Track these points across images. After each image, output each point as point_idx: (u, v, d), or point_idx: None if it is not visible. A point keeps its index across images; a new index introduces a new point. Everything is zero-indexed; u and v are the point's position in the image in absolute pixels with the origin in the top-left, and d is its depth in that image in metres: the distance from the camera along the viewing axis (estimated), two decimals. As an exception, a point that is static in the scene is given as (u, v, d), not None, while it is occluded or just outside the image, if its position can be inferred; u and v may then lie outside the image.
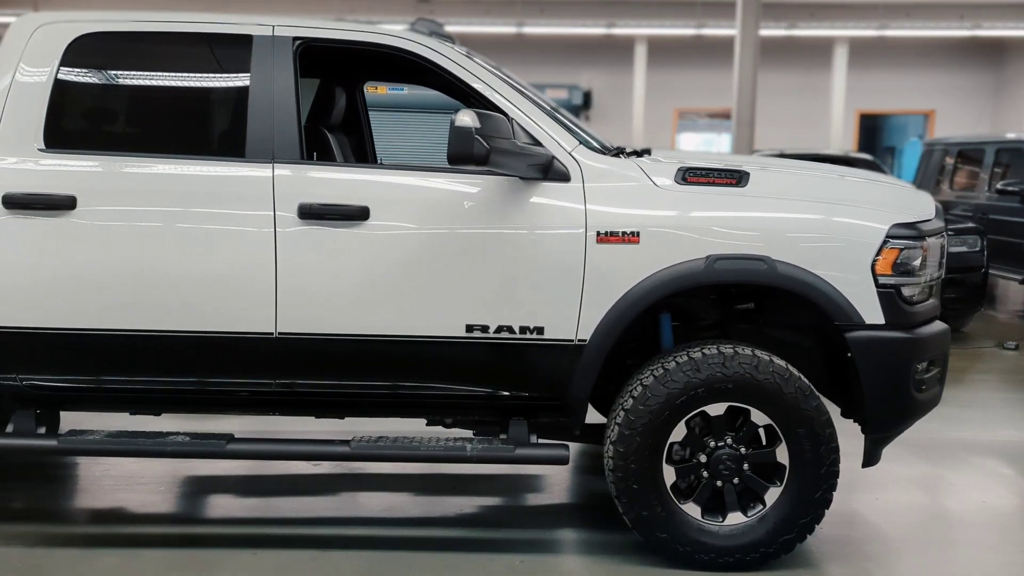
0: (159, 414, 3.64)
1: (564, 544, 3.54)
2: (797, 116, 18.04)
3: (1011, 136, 12.31)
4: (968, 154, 11.77)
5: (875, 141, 23.25)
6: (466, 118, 2.91)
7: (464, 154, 2.93)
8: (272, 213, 3.12)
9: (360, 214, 3.12)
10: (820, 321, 3.35)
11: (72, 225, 3.11)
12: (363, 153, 4.61)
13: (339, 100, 4.05)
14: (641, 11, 14.92)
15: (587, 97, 17.44)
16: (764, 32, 15.76)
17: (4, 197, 3.10)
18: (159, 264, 3.12)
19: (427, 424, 3.70)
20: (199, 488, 4.03)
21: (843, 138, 18.53)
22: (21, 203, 3.10)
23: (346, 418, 3.57)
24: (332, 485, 4.09)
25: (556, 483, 4.18)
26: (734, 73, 9.38)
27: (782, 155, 11.47)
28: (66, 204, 3.10)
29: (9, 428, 3.30)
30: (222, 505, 3.90)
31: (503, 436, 3.33)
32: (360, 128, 4.68)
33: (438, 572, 3.20)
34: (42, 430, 3.30)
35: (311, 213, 3.11)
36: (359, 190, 3.17)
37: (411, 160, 7.02)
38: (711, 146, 22.35)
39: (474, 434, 3.66)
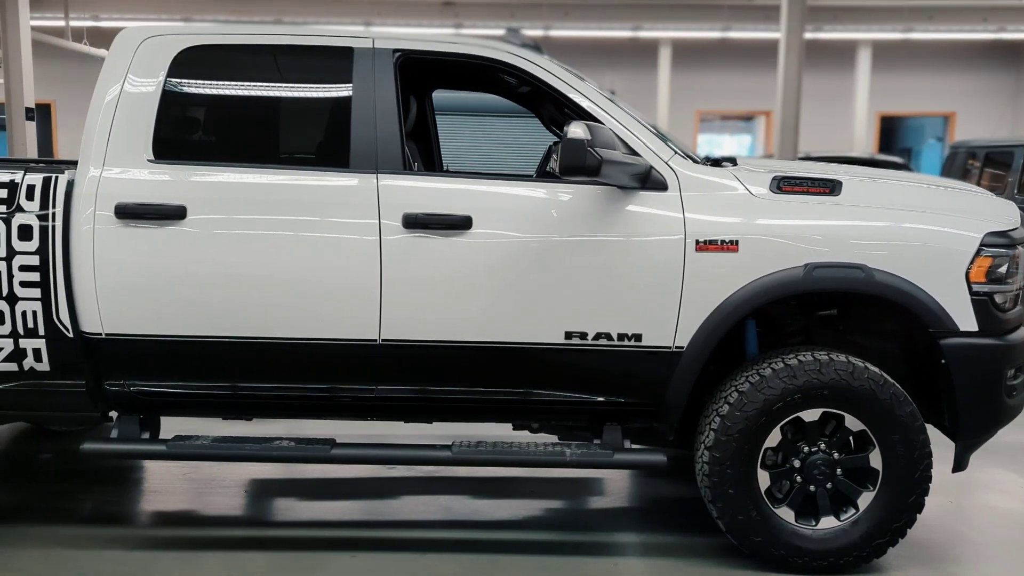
0: (251, 419, 3.70)
1: (653, 547, 3.58)
2: (819, 118, 18.06)
3: (1046, 137, 12.31)
4: (996, 157, 11.76)
5: (892, 143, 23.23)
6: (578, 130, 2.96)
7: (577, 165, 2.98)
8: (377, 222, 3.18)
9: (463, 223, 3.18)
10: (905, 327, 3.40)
11: (182, 234, 3.17)
12: (432, 161, 4.67)
13: (412, 108, 4.11)
14: (667, 14, 14.97)
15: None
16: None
17: (116, 207, 3.16)
18: (266, 273, 3.18)
19: (513, 429, 3.77)
20: (291, 491, 4.10)
21: (865, 140, 18.53)
22: (133, 213, 3.16)
23: (434, 423, 3.64)
24: (417, 488, 4.14)
25: (619, 487, 4.23)
26: (778, 77, 9.40)
27: (808, 158, 11.51)
28: (177, 214, 3.16)
29: (113, 433, 3.37)
30: (318, 508, 3.96)
31: (596, 441, 3.38)
32: (429, 136, 4.74)
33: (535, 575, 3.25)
34: (145, 435, 3.37)
35: (416, 222, 3.17)
36: (462, 200, 3.22)
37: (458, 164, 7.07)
38: (743, 149, 22.35)
39: (559, 438, 3.73)
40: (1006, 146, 12.14)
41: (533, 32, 15.92)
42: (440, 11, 15.99)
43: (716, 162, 3.55)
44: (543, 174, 3.98)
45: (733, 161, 3.67)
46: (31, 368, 3.23)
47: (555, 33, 15.55)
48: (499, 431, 3.98)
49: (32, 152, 10.50)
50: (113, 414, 3.45)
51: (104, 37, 15.94)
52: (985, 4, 15.43)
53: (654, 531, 3.73)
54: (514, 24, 15.25)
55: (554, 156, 4.60)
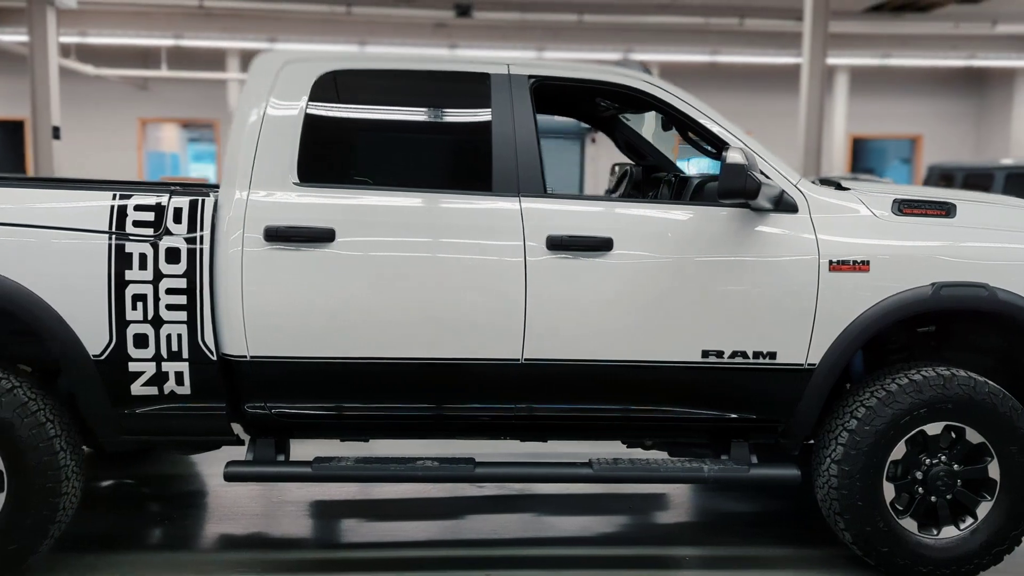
0: (367, 440, 3.70)
1: (770, 560, 3.67)
2: (796, 140, 18.56)
3: (1024, 162, 12.84)
4: (975, 180, 12.22)
5: (856, 164, 23.96)
6: (738, 156, 3.08)
7: (737, 188, 3.10)
8: (522, 244, 3.24)
9: (604, 244, 3.26)
10: (1007, 343, 3.57)
11: (331, 256, 3.19)
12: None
13: None
14: (658, 38, 15.29)
15: (595, 121, 17.69)
16: (776, 60, 16.26)
17: (266, 229, 3.17)
18: (412, 294, 3.22)
19: (627, 447, 3.84)
20: (377, 513, 4.10)
21: (840, 162, 19.08)
22: (282, 235, 3.17)
23: (547, 440, 3.69)
24: (502, 506, 4.18)
25: (682, 502, 4.32)
26: (801, 102, 9.68)
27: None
28: (325, 236, 3.18)
29: (248, 456, 3.35)
30: (424, 528, 3.97)
31: (724, 457, 3.48)
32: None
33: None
34: (281, 457, 3.36)
35: (559, 244, 3.24)
36: (602, 221, 3.31)
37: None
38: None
39: (669, 454, 3.81)
40: (986, 169, 12.64)
41: (526, 53, 16.13)
42: (433, 31, 16.07)
43: (830, 184, 3.69)
44: (627, 192, 4.06)
45: (838, 184, 3.82)
46: (171, 392, 3.21)
47: (547, 55, 15.76)
48: (599, 449, 4.03)
49: (58, 171, 10.28)
50: (242, 437, 3.44)
51: (93, 54, 15.74)
52: (956, 33, 16.08)
53: (760, 543, 3.82)
54: (505, 44, 15.46)
55: (615, 177, 4.69)
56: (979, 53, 17.08)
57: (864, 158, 25.39)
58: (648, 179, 4.64)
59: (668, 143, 4.91)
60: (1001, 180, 12.16)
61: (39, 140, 10.21)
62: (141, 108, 18.67)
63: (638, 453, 3.62)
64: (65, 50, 14.19)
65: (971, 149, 20.69)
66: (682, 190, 3.98)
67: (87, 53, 15.31)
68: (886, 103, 19.80)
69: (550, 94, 4.23)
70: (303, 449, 3.54)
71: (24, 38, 14.03)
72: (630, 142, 4.70)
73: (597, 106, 4.38)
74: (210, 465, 4.55)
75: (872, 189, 3.67)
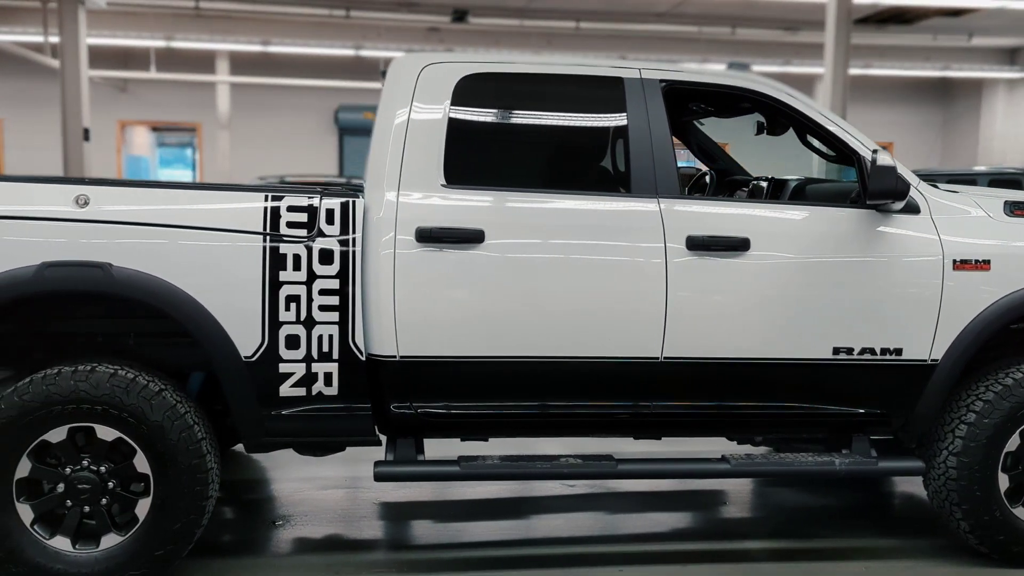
0: (487, 439, 3.72)
1: (879, 550, 3.78)
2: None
3: (1008, 168, 13.34)
4: (960, 184, 12.65)
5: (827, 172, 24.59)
6: (887, 158, 3.20)
7: (888, 189, 3.22)
8: (663, 245, 3.32)
9: (742, 245, 3.35)
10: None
11: (479, 257, 3.22)
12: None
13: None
14: (650, 45, 15.53)
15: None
16: (764, 68, 16.61)
17: (417, 231, 3.19)
18: (557, 294, 3.27)
19: (738, 443, 3.94)
20: (466, 513, 4.13)
21: (817, 167, 19.54)
22: (433, 237, 3.20)
23: (662, 438, 3.76)
24: (594, 503, 4.26)
25: (757, 496, 4.43)
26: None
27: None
28: (475, 237, 3.21)
29: (388, 456, 3.36)
30: (532, 526, 4.02)
31: (844, 451, 3.59)
32: None
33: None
34: (421, 456, 3.38)
35: (699, 244, 3.32)
36: (739, 223, 3.40)
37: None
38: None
39: (775, 450, 3.91)
40: (970, 174, 13.10)
41: (520, 60, 16.25)
42: (425, 36, 16.09)
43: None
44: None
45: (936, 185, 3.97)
46: (319, 393, 3.21)
47: (541, 61, 15.93)
48: (699, 447, 4.12)
49: (88, 173, 10.02)
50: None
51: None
52: (933, 45, 16.65)
53: (852, 534, 3.94)
54: (500, 51, 15.59)
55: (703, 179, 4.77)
56: (953, 64, 17.70)
57: (824, 165, 26.11)
58: (722, 182, 4.76)
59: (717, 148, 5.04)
60: (984, 185, 12.64)
61: (69, 141, 9.98)
62: (120, 110, 18.32)
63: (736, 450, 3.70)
64: (42, 49, 13.89)
65: (938, 157, 21.39)
66: (779, 192, 4.10)
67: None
68: (861, 112, 20.33)
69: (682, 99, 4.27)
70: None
71: (25, 39, 13.75)
72: (703, 146, 4.82)
73: (683, 111, 4.47)
74: (280, 469, 4.55)
75: (973, 192, 3.82)
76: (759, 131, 4.19)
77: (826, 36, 9.54)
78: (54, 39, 14.16)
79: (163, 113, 18.52)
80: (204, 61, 16.45)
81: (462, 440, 3.70)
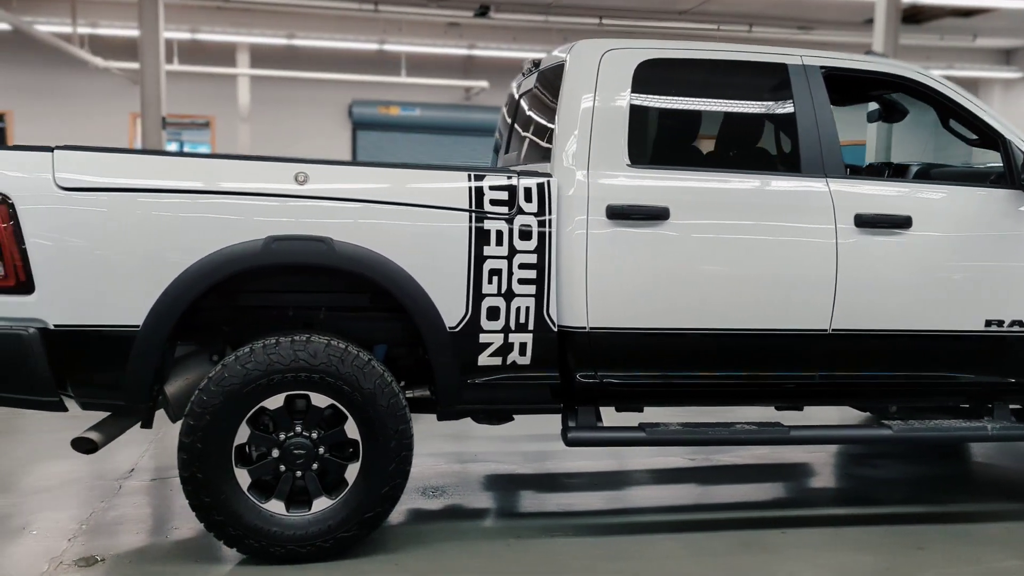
0: (642, 409, 3.87)
1: (1008, 514, 3.99)
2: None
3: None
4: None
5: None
6: (1034, 142, 3.43)
7: None
8: (833, 224, 3.51)
9: (905, 223, 3.56)
10: None
11: (664, 234, 3.39)
12: None
13: None
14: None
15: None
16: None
17: (608, 208, 3.36)
18: (736, 269, 3.45)
19: (861, 411, 4.16)
20: (610, 481, 4.31)
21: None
22: (622, 214, 3.36)
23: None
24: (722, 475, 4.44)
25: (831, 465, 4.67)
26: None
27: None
28: (661, 215, 3.39)
29: (570, 423, 3.52)
30: (657, 493, 4.21)
31: (986, 419, 3.80)
32: None
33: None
34: (600, 424, 3.54)
35: (867, 222, 3.52)
36: (902, 202, 3.60)
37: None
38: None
39: (899, 419, 4.13)
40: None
41: (539, 55, 16.40)
42: (445, 31, 16.20)
43: None
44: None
45: None
46: (513, 362, 3.36)
47: (561, 57, 16.10)
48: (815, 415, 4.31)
49: None
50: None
51: (103, 45, 15.31)
52: (939, 45, 17.05)
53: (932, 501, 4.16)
54: (514, 46, 15.76)
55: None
56: (956, 64, 18.12)
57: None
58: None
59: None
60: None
61: (147, 131, 10.03)
62: (133, 103, 18.19)
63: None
64: (65, 39, 13.84)
65: (931, 155, 21.85)
66: (901, 175, 4.31)
67: (100, 45, 14.93)
68: (861, 110, 20.82)
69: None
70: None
71: (59, 28, 13.68)
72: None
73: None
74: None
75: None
76: (885, 118, 4.41)
77: (875, 35, 9.82)
78: (83, 30, 14.16)
79: (176, 106, 18.43)
80: (222, 54, 16.43)
81: (617, 411, 3.87)
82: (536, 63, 4.09)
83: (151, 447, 4.67)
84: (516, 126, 4.24)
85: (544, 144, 3.64)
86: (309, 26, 15.21)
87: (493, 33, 16.01)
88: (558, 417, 3.52)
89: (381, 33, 15.55)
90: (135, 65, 16.12)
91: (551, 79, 3.73)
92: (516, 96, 4.37)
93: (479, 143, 18.15)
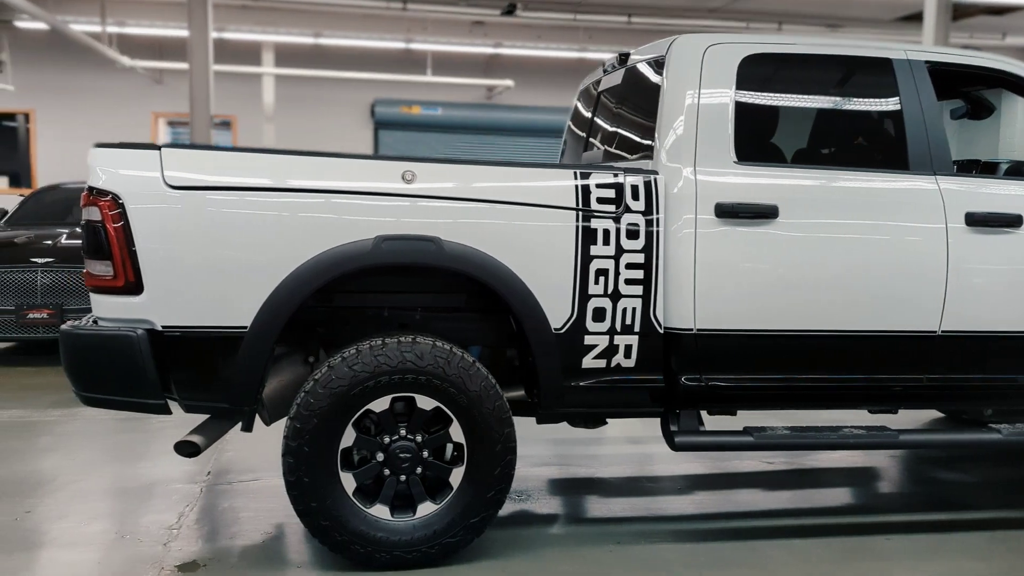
0: (735, 413, 3.79)
1: None
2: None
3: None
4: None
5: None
6: None
7: None
8: (943, 221, 3.42)
9: (1016, 221, 3.48)
10: None
11: (774, 232, 3.31)
12: None
13: None
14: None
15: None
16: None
17: (716, 207, 3.27)
18: (846, 269, 3.37)
19: (949, 417, 4.06)
20: (722, 484, 4.23)
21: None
22: (731, 212, 3.28)
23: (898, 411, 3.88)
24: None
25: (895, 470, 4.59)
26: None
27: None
28: (770, 213, 3.30)
29: (672, 427, 3.43)
30: (763, 499, 4.13)
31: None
32: None
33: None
34: (703, 427, 3.46)
35: (978, 220, 3.44)
36: (1010, 200, 3.52)
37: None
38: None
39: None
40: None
41: (569, 55, 16.35)
42: (470, 29, 16.13)
43: None
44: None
45: None
46: (617, 365, 3.29)
47: (588, 55, 16.00)
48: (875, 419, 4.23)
49: None
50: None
51: (130, 44, 15.29)
52: (969, 43, 16.89)
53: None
54: (540, 45, 15.69)
55: None
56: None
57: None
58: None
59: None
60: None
61: (197, 130, 10.02)
62: (155, 102, 18.19)
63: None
64: (100, 38, 13.81)
65: (954, 151, 21.68)
66: (991, 173, 4.22)
67: (125, 44, 14.90)
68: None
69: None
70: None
71: (88, 27, 13.64)
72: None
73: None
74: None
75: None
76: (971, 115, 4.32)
77: (924, 33, 9.73)
78: (112, 29, 14.12)
79: (198, 105, 18.41)
80: (247, 53, 16.39)
81: (709, 414, 3.79)
82: (622, 58, 4.01)
83: (215, 449, 4.60)
84: (599, 122, 4.16)
85: (640, 140, 3.56)
86: (336, 24, 15.14)
87: (518, 31, 15.92)
88: (638, 420, 3.42)
89: (407, 32, 15.49)
90: (160, 64, 16.19)
91: (646, 75, 3.65)
92: (595, 92, 4.29)
93: (502, 142, 18.10)
